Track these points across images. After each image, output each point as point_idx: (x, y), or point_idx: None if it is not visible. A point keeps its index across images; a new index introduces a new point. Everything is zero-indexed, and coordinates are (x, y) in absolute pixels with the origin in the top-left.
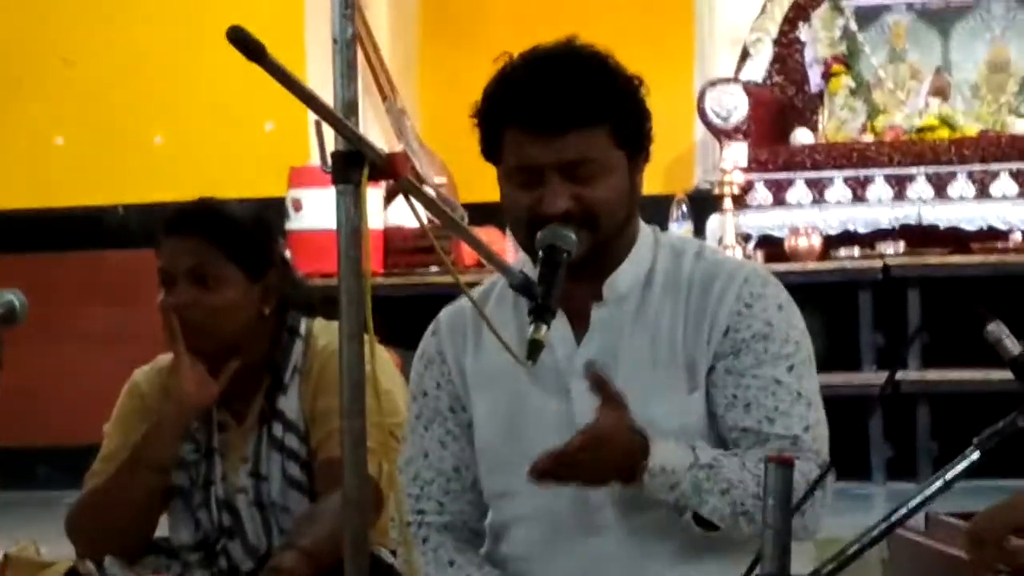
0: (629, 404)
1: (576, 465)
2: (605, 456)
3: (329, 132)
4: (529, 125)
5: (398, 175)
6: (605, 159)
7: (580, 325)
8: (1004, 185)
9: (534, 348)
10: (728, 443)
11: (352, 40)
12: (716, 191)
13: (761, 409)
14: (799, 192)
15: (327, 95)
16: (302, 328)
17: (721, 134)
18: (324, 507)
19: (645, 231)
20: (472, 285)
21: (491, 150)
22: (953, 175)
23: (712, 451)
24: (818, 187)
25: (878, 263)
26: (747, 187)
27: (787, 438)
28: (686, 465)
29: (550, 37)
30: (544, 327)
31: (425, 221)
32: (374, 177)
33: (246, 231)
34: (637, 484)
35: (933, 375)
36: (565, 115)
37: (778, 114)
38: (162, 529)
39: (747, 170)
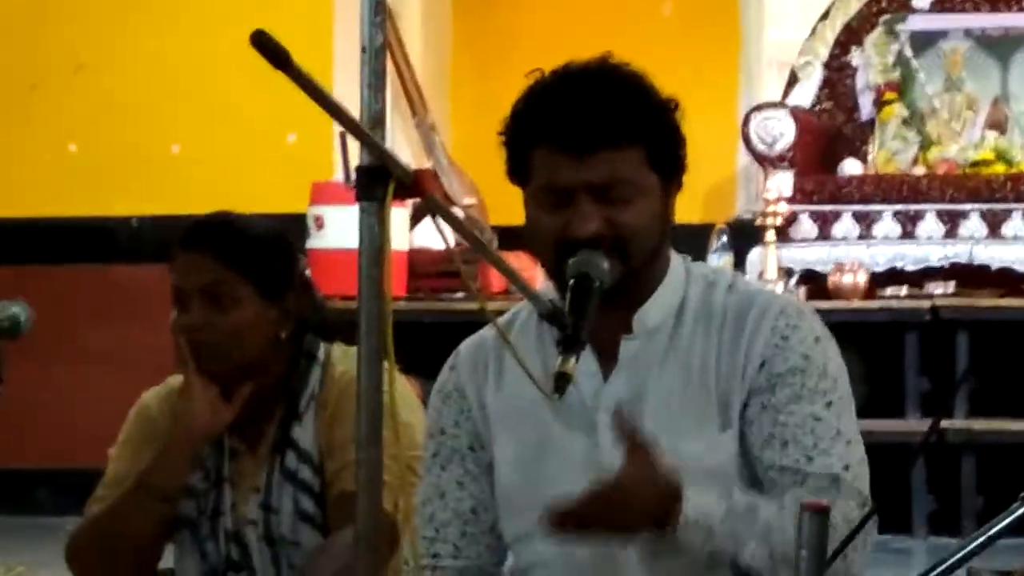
0: (664, 432)
1: (598, 515)
2: (633, 506)
3: (354, 146)
4: (560, 143)
5: (425, 193)
6: (638, 181)
7: (608, 359)
8: None
9: (561, 381)
10: (764, 483)
11: (382, 49)
12: (758, 222)
13: (799, 447)
14: (845, 226)
15: (353, 107)
16: (320, 353)
17: (765, 162)
18: (336, 544)
19: (676, 261)
20: (499, 313)
21: (518, 170)
22: (1008, 213)
23: (748, 496)
24: (866, 221)
25: (926, 303)
26: (791, 219)
27: (826, 476)
28: (721, 515)
29: (587, 55)
30: (573, 359)
31: (452, 243)
32: (400, 195)
33: (264, 249)
34: (669, 534)
35: (980, 424)
36: (598, 133)
37: (826, 142)
38: (167, 560)
39: (791, 200)
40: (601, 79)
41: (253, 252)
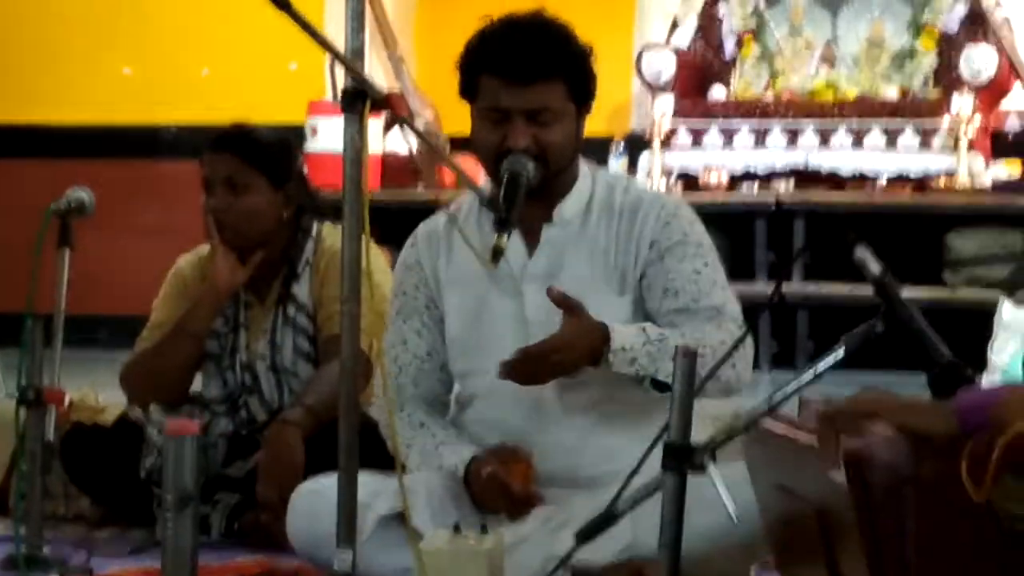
0: (573, 296)
1: (544, 364)
2: (574, 351)
3: (340, 72)
4: (503, 74)
5: (394, 109)
6: (560, 108)
7: (532, 241)
8: (875, 139)
9: (497, 253)
10: (663, 327)
11: None
12: (647, 135)
13: (687, 294)
14: (712, 138)
15: (340, 42)
16: (314, 230)
17: (653, 88)
18: (325, 374)
19: (585, 168)
20: (450, 202)
21: (468, 91)
22: (835, 128)
23: (658, 329)
24: (728, 134)
25: (772, 197)
26: (672, 132)
27: (712, 308)
28: (641, 343)
29: (523, 6)
30: (505, 236)
31: (415, 147)
32: (375, 110)
33: (271, 150)
34: (603, 365)
35: (811, 288)
36: (533, 69)
37: (699, 74)
38: (196, 385)
39: (672, 118)
40: (537, 27)
41: (263, 151)
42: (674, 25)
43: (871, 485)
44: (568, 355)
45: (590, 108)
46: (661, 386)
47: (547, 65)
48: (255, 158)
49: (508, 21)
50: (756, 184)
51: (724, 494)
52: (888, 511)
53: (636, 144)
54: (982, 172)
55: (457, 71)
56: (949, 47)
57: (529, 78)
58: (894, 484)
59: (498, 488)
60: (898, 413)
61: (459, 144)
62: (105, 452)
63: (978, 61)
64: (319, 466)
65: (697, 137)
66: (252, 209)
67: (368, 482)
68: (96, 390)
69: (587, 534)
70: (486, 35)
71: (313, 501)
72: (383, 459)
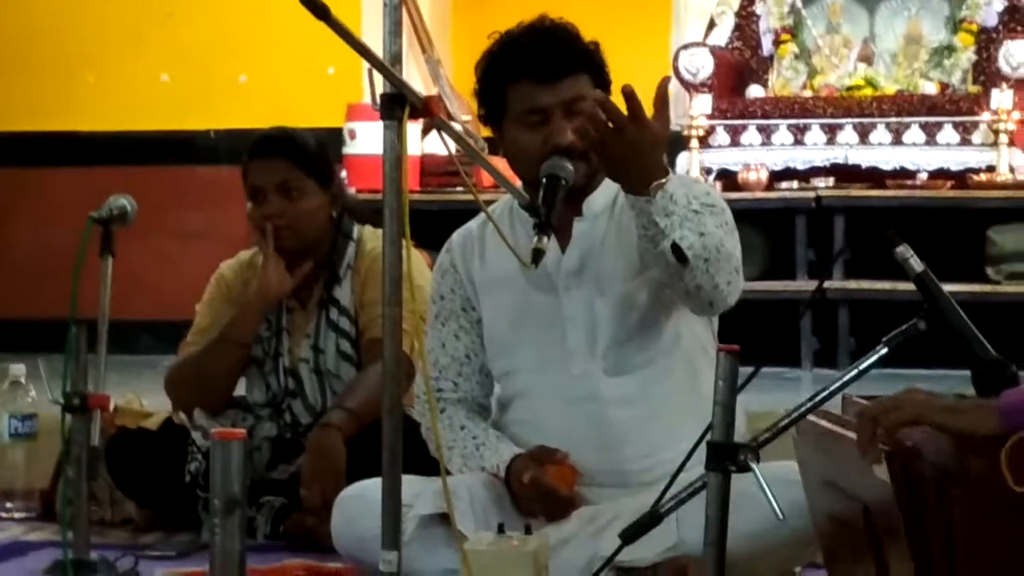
0: (608, 287)
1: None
2: (647, 143)
3: (379, 77)
4: (535, 75)
5: (432, 114)
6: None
7: (563, 237)
8: (914, 135)
9: (537, 255)
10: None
11: (399, 3)
12: (685, 133)
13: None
14: (751, 136)
15: (378, 47)
16: (354, 233)
17: (690, 88)
18: (367, 376)
19: None
20: (488, 203)
21: (492, 109)
22: (874, 125)
23: (701, 201)
24: (766, 132)
25: (812, 194)
26: (710, 131)
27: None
28: (685, 202)
29: (557, 11)
30: (546, 238)
31: (453, 150)
32: (413, 115)
33: (317, 151)
34: (646, 193)
35: (853, 285)
36: (562, 63)
37: (736, 73)
38: (240, 389)
39: (710, 117)
40: (549, 29)
41: (311, 154)
42: (711, 24)
43: (916, 482)
44: (645, 136)
45: None
46: (677, 255)
47: (572, 58)
48: (305, 161)
49: (520, 32)
50: (795, 182)
51: (768, 493)
52: (934, 508)
53: (674, 143)
54: (1023, 166)
55: (476, 93)
56: (987, 42)
57: (560, 72)
58: (940, 482)
59: (540, 493)
60: (941, 414)
61: (496, 145)
62: (150, 457)
63: (1017, 55)
64: (361, 469)
65: (735, 136)
66: (307, 212)
67: (410, 484)
68: (140, 395)
69: (632, 534)
70: (504, 47)
71: (357, 503)
72: (425, 461)
